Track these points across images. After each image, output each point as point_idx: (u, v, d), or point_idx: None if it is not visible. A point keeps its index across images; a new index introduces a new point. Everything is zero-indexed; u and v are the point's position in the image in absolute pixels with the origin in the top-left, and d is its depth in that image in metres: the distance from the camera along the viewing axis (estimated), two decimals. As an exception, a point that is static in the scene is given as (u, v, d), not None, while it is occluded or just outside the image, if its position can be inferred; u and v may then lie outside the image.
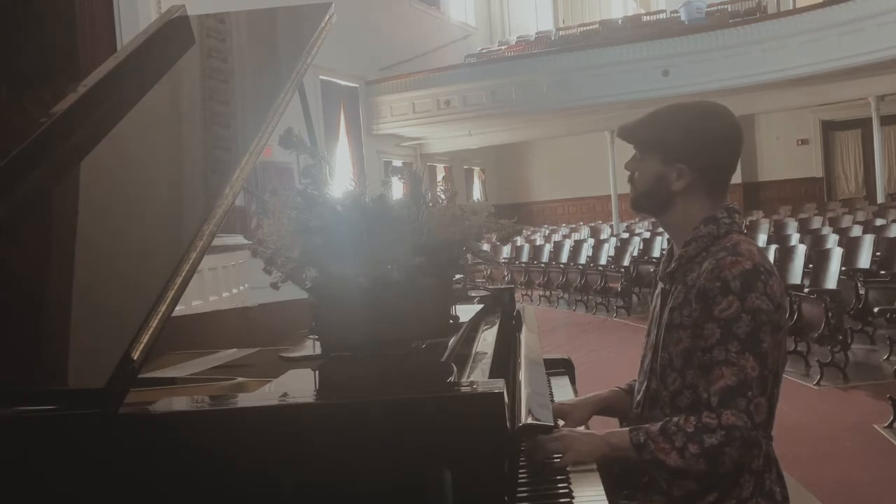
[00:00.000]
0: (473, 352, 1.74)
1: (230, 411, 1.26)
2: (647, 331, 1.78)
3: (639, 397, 1.74)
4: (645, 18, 20.22)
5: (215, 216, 1.44)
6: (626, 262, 10.85)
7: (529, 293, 12.81)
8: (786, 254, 6.97)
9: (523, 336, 2.12)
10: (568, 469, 1.46)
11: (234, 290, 6.70)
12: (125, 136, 1.80)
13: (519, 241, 15.06)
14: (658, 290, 1.77)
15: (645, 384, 1.72)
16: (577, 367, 2.42)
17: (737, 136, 1.70)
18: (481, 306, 2.20)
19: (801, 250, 6.89)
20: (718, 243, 1.62)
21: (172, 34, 2.10)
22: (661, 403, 1.64)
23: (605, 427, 1.74)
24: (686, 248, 1.65)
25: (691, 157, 1.65)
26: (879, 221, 10.57)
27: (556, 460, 1.47)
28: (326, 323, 1.33)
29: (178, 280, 1.30)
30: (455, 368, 1.38)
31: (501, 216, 1.47)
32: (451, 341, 1.44)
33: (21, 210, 1.58)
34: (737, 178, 20.00)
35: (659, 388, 1.66)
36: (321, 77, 15.49)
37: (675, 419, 1.52)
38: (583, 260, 11.87)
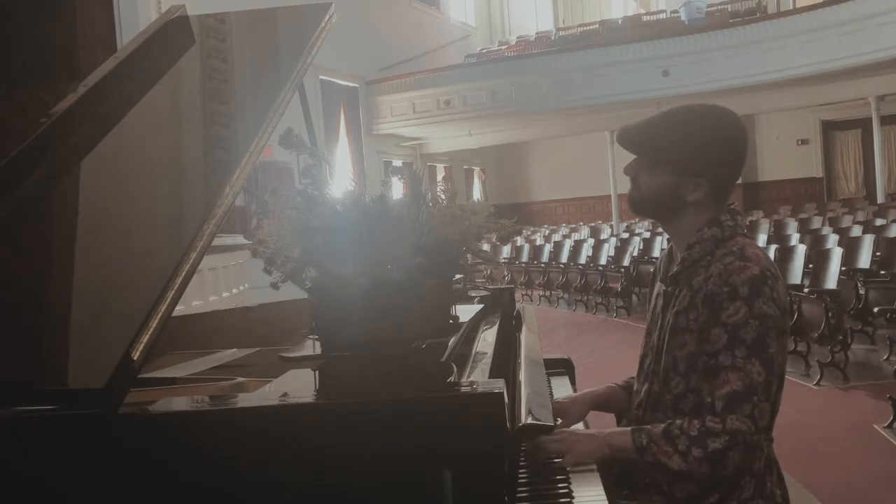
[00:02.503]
0: (473, 352, 1.74)
1: (230, 411, 1.26)
2: (646, 330, 1.78)
3: (639, 399, 1.73)
4: (645, 18, 20.22)
5: (215, 216, 1.44)
6: (625, 262, 10.85)
7: (529, 293, 12.81)
8: (786, 254, 6.97)
9: (523, 336, 2.12)
10: (567, 469, 1.46)
11: (234, 290, 6.70)
12: (125, 136, 1.80)
13: (519, 241, 15.05)
14: (658, 291, 1.76)
15: (646, 386, 1.71)
16: (577, 367, 2.42)
17: (746, 142, 1.68)
18: (481, 306, 2.20)
19: (801, 250, 6.89)
20: (724, 246, 1.60)
21: (172, 34, 2.10)
22: (664, 406, 1.64)
23: (604, 423, 1.74)
24: (690, 250, 1.64)
25: (709, 170, 1.62)
26: (879, 221, 10.58)
27: (556, 462, 1.46)
28: (326, 323, 1.33)
29: (178, 280, 1.30)
30: (455, 368, 1.37)
31: (501, 216, 1.47)
32: (451, 341, 1.44)
33: (21, 210, 1.58)
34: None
35: (661, 392, 1.65)
36: (321, 77, 15.49)
37: (679, 422, 1.52)
38: (583, 260, 11.87)
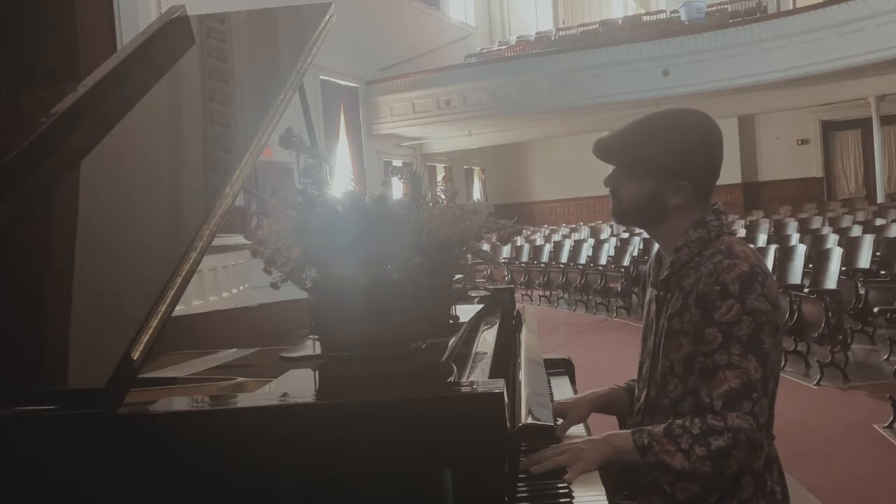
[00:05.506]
0: (473, 352, 1.74)
1: (230, 411, 1.26)
2: (642, 336, 1.78)
3: (639, 405, 1.74)
4: (645, 18, 20.23)
5: (215, 216, 1.44)
6: (625, 262, 10.85)
7: (529, 293, 12.82)
8: (786, 254, 6.97)
9: (523, 336, 2.12)
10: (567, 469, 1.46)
11: (234, 290, 6.70)
12: (125, 137, 1.80)
13: (519, 241, 15.06)
14: (650, 297, 1.76)
15: (645, 392, 1.71)
16: (577, 367, 2.42)
17: (721, 140, 1.69)
18: (481, 306, 2.20)
19: (801, 250, 6.89)
20: (711, 246, 1.61)
21: (172, 34, 2.10)
22: (663, 410, 1.63)
23: (604, 425, 1.74)
24: (678, 254, 1.65)
25: (689, 173, 1.64)
26: (879, 221, 10.57)
27: (565, 476, 1.45)
28: (326, 323, 1.33)
29: (179, 280, 1.30)
30: (455, 368, 1.37)
31: (501, 216, 1.47)
32: (451, 341, 1.44)
33: (21, 210, 1.58)
34: (737, 178, 20.12)
35: (659, 396, 1.65)
36: (321, 77, 15.50)
37: (679, 421, 1.52)
38: (583, 260, 11.87)
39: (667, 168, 1.63)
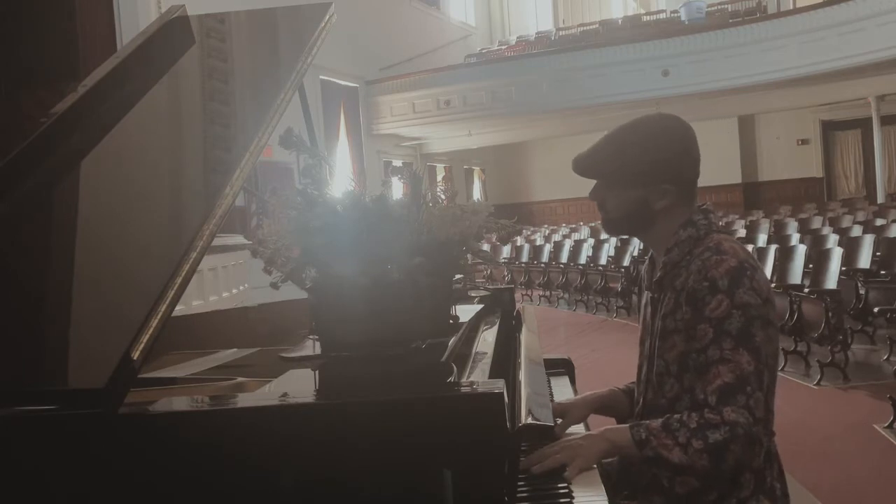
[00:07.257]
0: (473, 352, 1.74)
1: (230, 411, 1.26)
2: (640, 339, 1.79)
3: (637, 408, 1.74)
4: (645, 18, 20.24)
5: (215, 216, 1.44)
6: (626, 262, 10.84)
7: (529, 293, 12.82)
8: (786, 254, 6.97)
9: (523, 336, 2.12)
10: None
11: (234, 290, 6.70)
12: (125, 137, 1.80)
13: (519, 241, 15.07)
14: (646, 300, 1.78)
15: (643, 395, 1.72)
16: (577, 367, 2.42)
17: (695, 139, 1.70)
18: (481, 306, 2.20)
19: (801, 250, 6.89)
20: (701, 244, 1.63)
21: (172, 34, 2.10)
22: (661, 411, 1.63)
23: (605, 425, 1.74)
24: (669, 254, 1.66)
25: (670, 175, 1.65)
26: (879, 221, 10.56)
27: (565, 474, 1.45)
28: (326, 323, 1.33)
29: (179, 280, 1.30)
30: (455, 368, 1.37)
31: (501, 216, 1.47)
32: (451, 341, 1.44)
33: (22, 209, 1.58)
34: (737, 178, 20.14)
35: (656, 397, 1.66)
36: (321, 77, 15.50)
37: (677, 416, 1.52)
38: (583, 260, 11.87)
39: (648, 173, 1.65)
